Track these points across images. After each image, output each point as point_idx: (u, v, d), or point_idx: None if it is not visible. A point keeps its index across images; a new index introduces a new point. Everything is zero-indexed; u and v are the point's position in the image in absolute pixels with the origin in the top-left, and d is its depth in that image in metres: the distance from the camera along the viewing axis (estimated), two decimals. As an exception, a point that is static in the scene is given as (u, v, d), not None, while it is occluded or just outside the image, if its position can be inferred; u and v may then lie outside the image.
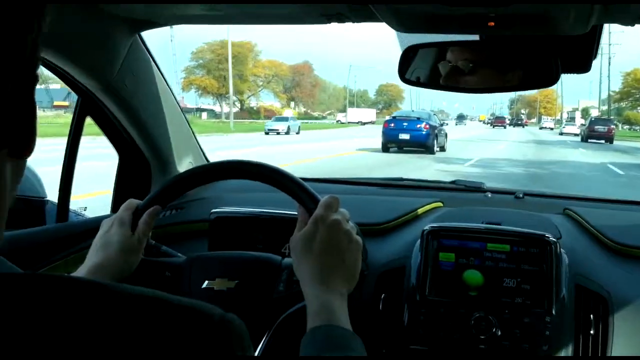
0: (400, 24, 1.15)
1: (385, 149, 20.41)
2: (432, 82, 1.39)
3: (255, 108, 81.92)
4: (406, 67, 1.35)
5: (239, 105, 78.24)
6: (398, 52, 1.34)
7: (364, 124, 69.88)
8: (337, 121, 77.08)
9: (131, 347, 0.44)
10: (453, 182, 2.04)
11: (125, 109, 1.57)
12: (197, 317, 0.48)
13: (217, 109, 79.10)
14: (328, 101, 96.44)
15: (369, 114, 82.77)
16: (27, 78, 0.51)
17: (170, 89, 1.73)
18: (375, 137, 23.46)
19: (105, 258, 1.11)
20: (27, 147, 0.53)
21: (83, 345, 0.43)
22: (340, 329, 0.92)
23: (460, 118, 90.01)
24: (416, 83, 1.39)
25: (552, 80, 1.23)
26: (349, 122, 72.03)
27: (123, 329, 0.45)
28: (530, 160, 19.22)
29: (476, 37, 1.31)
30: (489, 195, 1.88)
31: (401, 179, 2.10)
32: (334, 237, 1.03)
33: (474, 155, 19.79)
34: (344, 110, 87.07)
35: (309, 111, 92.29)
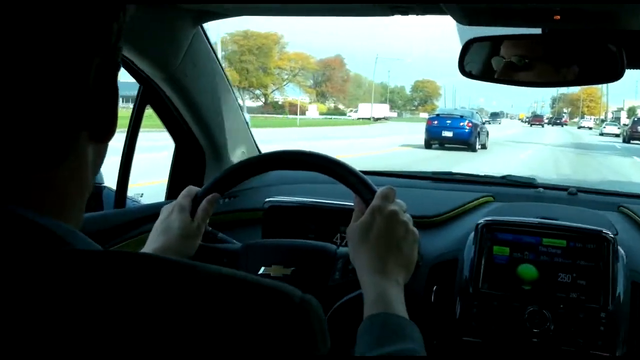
0: (466, 18, 1.16)
1: (428, 145, 20.78)
2: (491, 75, 1.39)
3: (280, 103, 78.68)
4: (466, 60, 1.36)
5: (263, 99, 76.15)
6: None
7: (377, 119, 66.04)
8: (347, 116, 73.84)
9: (215, 325, 0.45)
10: (504, 177, 2.04)
11: (185, 98, 1.60)
12: (279, 298, 0.49)
13: (239, 102, 77.73)
14: (363, 97, 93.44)
15: (382, 109, 77.62)
16: (110, 65, 0.53)
17: (228, 80, 1.76)
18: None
19: (166, 243, 1.14)
20: (108, 131, 0.55)
21: (167, 323, 0.44)
22: (397, 317, 0.93)
23: (494, 116, 79.03)
24: (476, 76, 1.39)
25: (617, 74, 1.22)
26: (359, 118, 67.56)
27: (208, 308, 0.46)
28: (564, 177, 13.56)
29: (537, 31, 1.30)
30: (541, 190, 1.87)
31: (451, 173, 2.10)
32: (391, 227, 1.04)
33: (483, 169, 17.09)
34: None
35: (340, 107, 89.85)
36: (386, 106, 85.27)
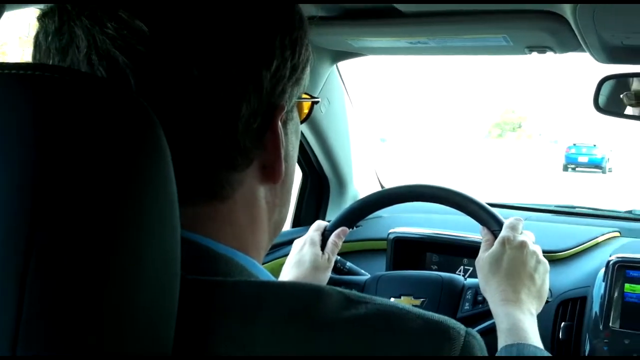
0: (606, 56, 1.17)
1: (565, 169, 25.12)
2: (621, 111, 1.39)
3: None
4: (601, 97, 1.36)
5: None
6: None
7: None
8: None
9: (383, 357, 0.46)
10: (629, 211, 1.98)
11: (316, 131, 1.69)
12: (447, 331, 0.49)
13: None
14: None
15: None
16: (266, 110, 0.54)
17: (357, 116, 1.84)
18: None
19: (299, 275, 1.19)
20: (275, 173, 0.57)
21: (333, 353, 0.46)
22: (533, 347, 0.94)
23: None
24: (609, 112, 1.39)
25: None
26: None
27: (377, 340, 0.47)
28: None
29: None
30: None
31: (574, 207, 2.06)
32: (521, 257, 1.06)
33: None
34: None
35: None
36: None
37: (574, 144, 26.83)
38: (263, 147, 0.55)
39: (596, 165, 25.02)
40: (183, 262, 0.48)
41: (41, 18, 0.53)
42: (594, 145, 25.61)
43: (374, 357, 0.46)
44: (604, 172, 24.61)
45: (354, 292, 0.51)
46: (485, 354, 0.51)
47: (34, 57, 0.54)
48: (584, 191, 14.76)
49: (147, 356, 0.43)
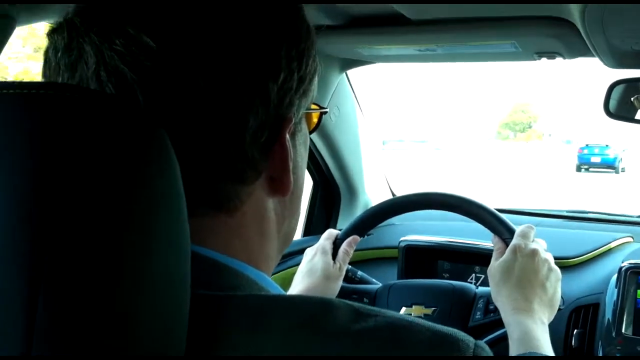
0: (615, 61, 1.16)
1: (578, 169, 25.06)
2: (634, 117, 1.38)
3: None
4: (612, 101, 1.35)
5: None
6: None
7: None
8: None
9: None
10: None
11: (326, 139, 1.69)
12: (455, 343, 0.49)
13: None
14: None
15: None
16: (274, 123, 0.54)
17: (367, 124, 1.84)
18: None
19: (311, 284, 1.19)
20: (282, 185, 0.57)
21: None
22: (545, 357, 0.93)
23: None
24: (620, 117, 1.38)
25: None
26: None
27: (386, 353, 0.47)
28: None
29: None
30: None
31: (585, 212, 2.05)
32: (533, 265, 1.05)
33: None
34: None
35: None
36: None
37: (587, 145, 27.03)
38: (271, 160, 0.55)
39: (609, 165, 25.18)
40: (192, 276, 0.48)
41: (50, 34, 0.54)
42: (607, 146, 25.75)
43: None
44: (617, 172, 24.80)
45: (363, 305, 0.51)
46: None
47: (43, 73, 0.55)
48: (597, 193, 14.70)
49: None
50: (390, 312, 0.51)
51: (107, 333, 0.40)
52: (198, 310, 0.47)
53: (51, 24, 0.54)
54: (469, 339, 0.50)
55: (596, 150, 25.62)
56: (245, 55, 0.51)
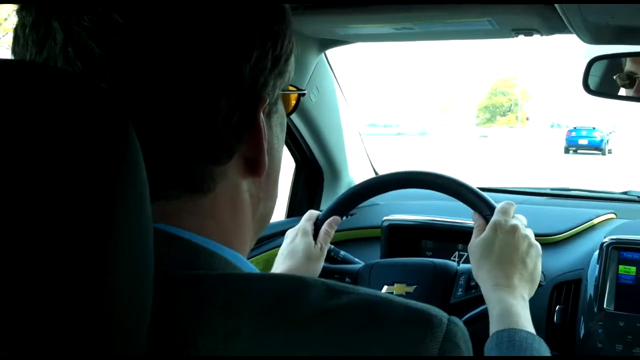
0: (592, 37, 1.16)
1: (566, 151, 26.75)
2: (616, 93, 1.38)
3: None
4: (591, 78, 1.35)
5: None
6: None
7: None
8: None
9: (364, 348, 0.46)
10: (625, 192, 1.97)
11: (307, 120, 1.68)
12: (428, 319, 0.49)
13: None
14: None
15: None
16: (247, 103, 0.53)
17: (347, 104, 1.83)
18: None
19: (292, 265, 1.19)
20: (257, 165, 0.57)
21: (317, 346, 0.46)
22: (524, 332, 0.94)
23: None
24: (602, 94, 1.38)
25: None
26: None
27: (359, 329, 0.47)
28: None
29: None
30: None
31: (568, 189, 2.06)
32: (513, 241, 1.06)
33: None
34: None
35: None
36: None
37: (575, 127, 28.70)
38: (245, 140, 0.55)
39: (596, 147, 26.61)
40: (166, 256, 0.48)
41: (19, 11, 0.53)
42: (594, 128, 27.28)
43: (355, 345, 0.46)
44: (603, 154, 26.08)
45: (337, 282, 0.51)
46: (468, 342, 0.51)
47: (13, 50, 0.54)
48: (583, 173, 14.87)
49: (122, 355, 0.42)
50: (365, 289, 0.50)
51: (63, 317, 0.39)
52: (173, 290, 0.47)
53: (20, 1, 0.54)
54: (442, 314, 0.50)
55: (583, 133, 27.18)
56: (216, 33, 0.51)
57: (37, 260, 0.37)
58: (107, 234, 0.40)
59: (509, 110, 74.93)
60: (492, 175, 12.15)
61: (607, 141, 27.21)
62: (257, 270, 0.57)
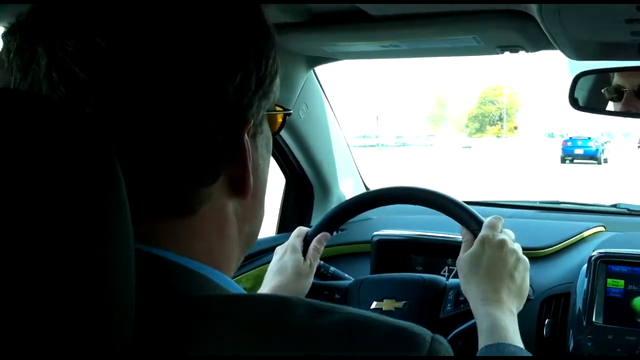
0: (577, 53, 1.17)
1: (562, 160, 26.88)
2: (604, 108, 1.39)
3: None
4: (577, 93, 1.36)
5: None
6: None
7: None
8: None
9: None
10: (614, 205, 1.98)
11: (296, 136, 1.69)
12: (411, 338, 0.48)
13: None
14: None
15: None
16: (233, 124, 0.53)
17: (337, 119, 1.84)
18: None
19: (282, 282, 1.19)
20: (242, 186, 0.57)
21: None
22: (513, 347, 0.94)
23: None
24: (589, 109, 1.39)
25: None
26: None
27: (341, 349, 0.47)
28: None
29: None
30: None
31: (558, 202, 2.07)
32: (501, 256, 1.06)
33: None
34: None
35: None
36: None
37: (570, 138, 28.83)
38: (230, 161, 0.55)
39: (591, 156, 26.83)
40: (150, 279, 0.48)
41: (4, 36, 0.53)
42: (589, 138, 27.40)
43: None
44: (599, 163, 26.21)
45: (322, 302, 0.51)
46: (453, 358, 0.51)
47: None
48: (579, 183, 14.91)
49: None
50: (350, 309, 0.50)
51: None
52: (161, 313, 0.47)
53: (5, 26, 0.54)
54: (426, 333, 0.49)
55: (579, 143, 27.42)
56: (199, 55, 0.51)
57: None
58: (88, 264, 0.40)
59: (499, 120, 72.62)
60: (473, 190, 11.95)
61: (603, 150, 27.58)
62: (242, 291, 0.58)
